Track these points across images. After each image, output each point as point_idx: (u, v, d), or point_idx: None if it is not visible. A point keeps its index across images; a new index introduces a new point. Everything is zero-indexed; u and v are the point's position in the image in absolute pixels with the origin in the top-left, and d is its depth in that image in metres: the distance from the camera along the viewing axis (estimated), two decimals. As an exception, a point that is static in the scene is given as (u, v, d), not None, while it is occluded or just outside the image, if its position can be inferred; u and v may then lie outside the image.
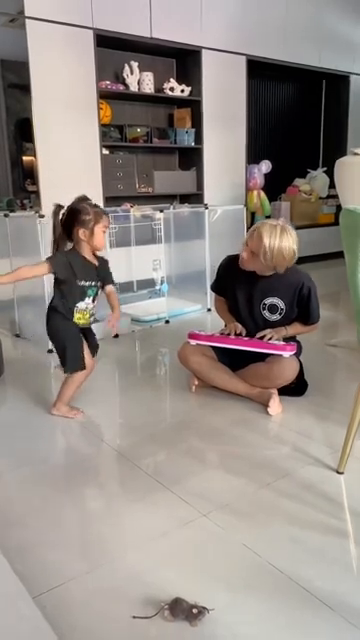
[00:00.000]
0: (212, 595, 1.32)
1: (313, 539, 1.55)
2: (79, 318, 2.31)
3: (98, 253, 2.36)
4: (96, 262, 2.33)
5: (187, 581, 1.38)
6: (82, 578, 1.41)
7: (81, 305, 2.30)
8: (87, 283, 2.29)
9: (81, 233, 2.24)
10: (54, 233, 2.26)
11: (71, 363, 2.31)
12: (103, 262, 2.38)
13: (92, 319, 2.39)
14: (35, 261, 2.36)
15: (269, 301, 2.46)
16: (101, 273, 2.35)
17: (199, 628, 1.23)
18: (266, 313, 2.48)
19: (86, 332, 2.40)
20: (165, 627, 1.23)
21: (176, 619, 1.24)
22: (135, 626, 1.24)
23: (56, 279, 2.27)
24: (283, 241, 2.29)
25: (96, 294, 2.35)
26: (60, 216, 2.24)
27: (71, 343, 2.30)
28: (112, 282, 2.40)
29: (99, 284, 2.35)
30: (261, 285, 2.46)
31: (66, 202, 2.27)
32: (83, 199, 2.27)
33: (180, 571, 1.43)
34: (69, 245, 2.31)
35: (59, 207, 2.23)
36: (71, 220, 2.24)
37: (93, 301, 2.35)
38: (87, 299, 2.31)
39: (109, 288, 2.39)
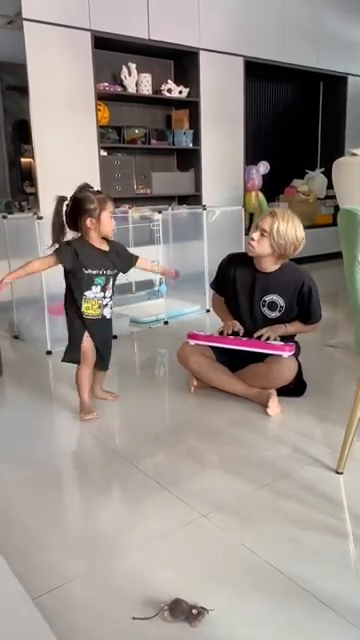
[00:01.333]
0: (212, 596, 1.32)
1: (312, 539, 1.55)
2: (87, 308, 2.29)
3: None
4: (107, 248, 2.32)
5: (187, 582, 1.38)
6: (82, 579, 1.41)
7: (89, 294, 2.29)
8: (95, 272, 2.28)
9: (89, 222, 2.23)
10: (54, 225, 2.24)
11: (67, 353, 2.35)
12: (117, 247, 2.37)
13: (105, 311, 2.35)
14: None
15: (269, 298, 2.46)
16: (116, 259, 2.34)
17: (199, 629, 1.23)
18: (266, 310, 2.48)
19: (99, 326, 2.36)
20: (165, 628, 1.23)
21: (176, 620, 1.24)
22: (135, 627, 1.24)
23: (65, 270, 2.28)
24: (296, 225, 2.35)
25: (107, 283, 2.32)
26: (64, 207, 2.23)
27: (71, 333, 2.32)
28: (136, 258, 2.43)
29: (111, 272, 2.33)
30: (261, 282, 2.46)
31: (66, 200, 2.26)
32: (85, 187, 2.25)
33: (180, 572, 1.43)
34: (70, 235, 2.29)
35: (62, 198, 2.22)
36: (76, 210, 2.23)
37: (102, 290, 2.31)
38: (94, 288, 2.29)
39: (140, 262, 2.44)
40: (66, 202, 2.23)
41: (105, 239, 2.32)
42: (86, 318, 2.30)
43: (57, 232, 2.25)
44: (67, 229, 2.27)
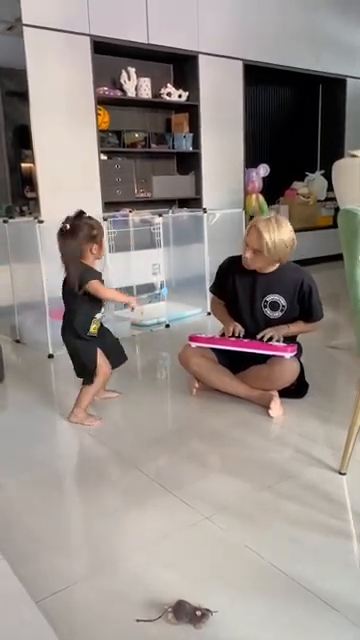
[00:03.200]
0: (215, 597, 1.32)
1: (315, 540, 1.55)
2: (94, 328, 2.32)
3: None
4: None
5: (190, 583, 1.38)
6: (85, 582, 1.41)
7: (98, 315, 2.32)
8: None
9: (94, 249, 2.25)
10: (70, 253, 2.21)
11: (87, 376, 2.34)
12: None
13: (102, 322, 2.42)
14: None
15: (270, 298, 2.47)
16: None
17: (203, 630, 1.23)
18: (267, 311, 2.48)
19: (102, 335, 2.39)
20: (169, 630, 1.23)
21: (180, 622, 1.24)
22: (139, 629, 1.24)
23: (83, 295, 2.24)
24: (282, 232, 2.33)
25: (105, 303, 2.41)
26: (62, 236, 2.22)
27: (85, 358, 2.31)
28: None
29: None
30: (262, 283, 2.46)
31: (65, 208, 2.25)
32: (81, 215, 2.24)
33: (183, 573, 1.43)
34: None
35: (64, 230, 2.20)
36: (79, 237, 2.21)
37: (103, 307, 2.40)
38: (103, 308, 2.37)
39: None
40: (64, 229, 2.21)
41: None
42: (92, 337, 2.32)
43: (78, 261, 2.23)
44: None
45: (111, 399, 2.61)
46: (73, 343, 2.31)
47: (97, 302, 2.30)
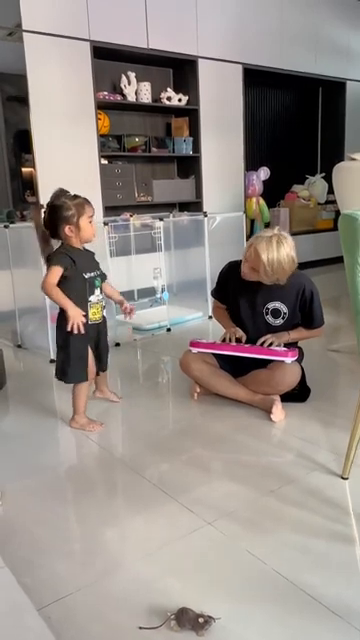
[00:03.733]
0: (218, 604, 1.31)
1: (318, 545, 1.54)
2: (93, 313, 2.26)
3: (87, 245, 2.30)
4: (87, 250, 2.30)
5: (193, 590, 1.38)
6: (87, 589, 1.41)
7: (93, 299, 2.25)
8: (92, 274, 2.26)
9: (67, 230, 2.17)
10: (39, 237, 2.19)
11: (72, 374, 2.27)
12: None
13: (104, 312, 2.35)
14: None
15: (272, 305, 2.46)
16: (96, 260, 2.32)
17: (206, 638, 1.22)
18: (269, 318, 2.48)
19: (98, 331, 2.34)
20: (172, 637, 1.23)
21: (183, 629, 1.23)
22: (141, 637, 1.23)
23: (62, 280, 2.17)
24: (281, 253, 2.28)
25: (100, 284, 2.30)
26: (42, 215, 2.19)
27: (74, 351, 2.24)
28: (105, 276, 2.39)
29: (100, 272, 2.32)
30: (264, 290, 2.45)
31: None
32: (61, 194, 2.18)
33: (185, 580, 1.42)
34: (54, 243, 2.23)
35: (39, 207, 2.18)
36: (54, 218, 2.17)
37: (100, 292, 2.30)
38: (97, 291, 2.27)
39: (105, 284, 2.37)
40: (43, 210, 2.18)
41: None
42: (91, 324, 2.26)
43: (44, 243, 2.20)
44: (50, 238, 2.22)
45: (112, 402, 2.59)
46: (65, 332, 2.19)
47: (83, 284, 2.21)
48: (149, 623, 1.26)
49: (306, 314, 2.47)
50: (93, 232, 2.25)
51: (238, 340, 2.50)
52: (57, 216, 2.17)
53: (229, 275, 2.58)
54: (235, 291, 2.54)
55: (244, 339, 2.49)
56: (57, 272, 2.16)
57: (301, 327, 2.51)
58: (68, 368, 2.26)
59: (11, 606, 1.20)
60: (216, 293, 2.69)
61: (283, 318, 2.47)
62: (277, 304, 2.45)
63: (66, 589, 1.40)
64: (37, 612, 1.20)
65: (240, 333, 2.50)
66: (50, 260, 2.18)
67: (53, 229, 2.20)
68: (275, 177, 6.11)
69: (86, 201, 2.21)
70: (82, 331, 2.17)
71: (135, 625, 1.26)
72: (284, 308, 2.45)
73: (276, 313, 2.47)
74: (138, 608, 1.32)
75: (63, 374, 2.29)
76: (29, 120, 4.24)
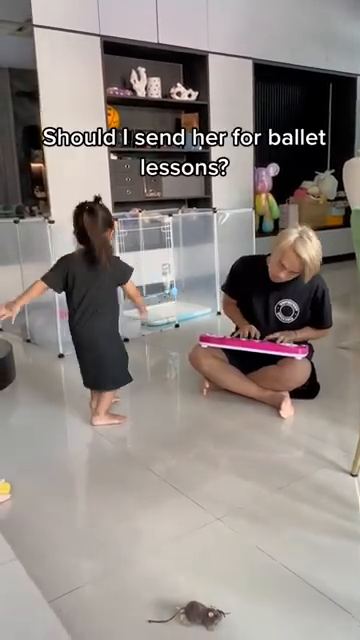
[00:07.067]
0: (227, 599, 1.32)
1: (327, 541, 1.54)
2: None
3: None
4: None
5: (202, 585, 1.38)
6: (97, 582, 1.41)
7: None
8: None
9: (111, 234, 2.24)
10: (100, 234, 2.14)
11: (124, 378, 2.33)
12: None
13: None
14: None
15: (284, 303, 2.46)
16: None
17: (215, 632, 1.23)
18: (280, 315, 2.47)
19: None
20: (181, 631, 1.23)
21: (192, 623, 1.24)
22: (151, 630, 1.24)
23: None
24: (315, 246, 2.28)
25: None
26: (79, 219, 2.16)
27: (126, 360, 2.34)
28: None
29: None
30: (276, 287, 2.44)
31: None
32: (99, 200, 2.17)
33: (195, 575, 1.43)
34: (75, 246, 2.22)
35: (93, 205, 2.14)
36: (106, 223, 2.17)
37: None
38: None
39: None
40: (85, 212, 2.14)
41: None
42: None
43: (109, 245, 2.23)
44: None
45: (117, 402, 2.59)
46: (119, 343, 2.30)
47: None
48: (159, 617, 1.26)
49: (316, 313, 2.46)
50: None
51: (250, 337, 2.48)
52: (108, 221, 2.19)
53: (242, 271, 2.57)
54: (248, 287, 2.53)
55: (258, 336, 2.48)
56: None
57: (308, 327, 2.50)
58: (127, 369, 2.33)
59: (22, 598, 1.21)
60: (227, 287, 2.68)
61: (294, 316, 2.46)
62: (289, 302, 2.45)
63: (76, 582, 1.40)
64: (48, 604, 1.20)
65: (255, 331, 2.48)
66: (130, 274, 2.29)
67: (101, 229, 2.16)
68: (284, 173, 6.08)
69: None
70: None
71: (145, 618, 1.26)
72: (296, 306, 2.44)
73: (287, 311, 2.46)
74: (147, 602, 1.32)
75: (127, 377, 2.34)
76: (39, 115, 4.24)
